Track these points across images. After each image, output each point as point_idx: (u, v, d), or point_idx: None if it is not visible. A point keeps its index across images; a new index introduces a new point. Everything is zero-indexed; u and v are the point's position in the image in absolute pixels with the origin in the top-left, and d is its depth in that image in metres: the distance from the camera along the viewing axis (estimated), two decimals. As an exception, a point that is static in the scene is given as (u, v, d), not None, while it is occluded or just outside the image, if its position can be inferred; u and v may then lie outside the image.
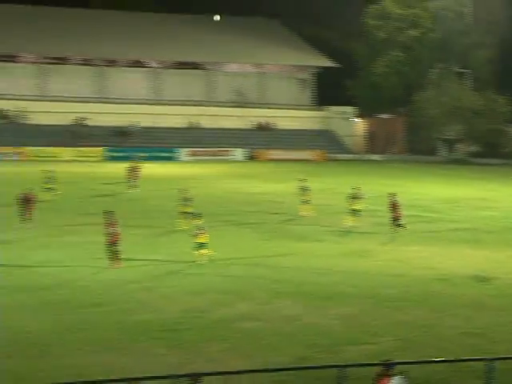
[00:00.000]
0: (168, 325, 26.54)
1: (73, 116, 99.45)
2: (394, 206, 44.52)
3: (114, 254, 33.67)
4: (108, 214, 35.11)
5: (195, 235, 35.84)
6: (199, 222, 36.87)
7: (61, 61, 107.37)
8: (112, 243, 33.79)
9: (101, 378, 18.22)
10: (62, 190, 59.71)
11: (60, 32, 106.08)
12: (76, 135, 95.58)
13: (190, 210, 43.69)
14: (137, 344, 24.47)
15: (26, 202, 43.16)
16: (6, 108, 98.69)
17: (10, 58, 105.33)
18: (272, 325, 26.96)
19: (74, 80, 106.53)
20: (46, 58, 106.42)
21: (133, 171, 61.27)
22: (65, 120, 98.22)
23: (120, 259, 33.74)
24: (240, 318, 27.63)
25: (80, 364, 22.36)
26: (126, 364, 22.37)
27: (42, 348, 23.91)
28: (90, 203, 53.98)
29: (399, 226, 44.19)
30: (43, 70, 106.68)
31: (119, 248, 33.80)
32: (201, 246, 35.60)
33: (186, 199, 45.25)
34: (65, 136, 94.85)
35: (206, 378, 15.67)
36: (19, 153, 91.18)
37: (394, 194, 45.30)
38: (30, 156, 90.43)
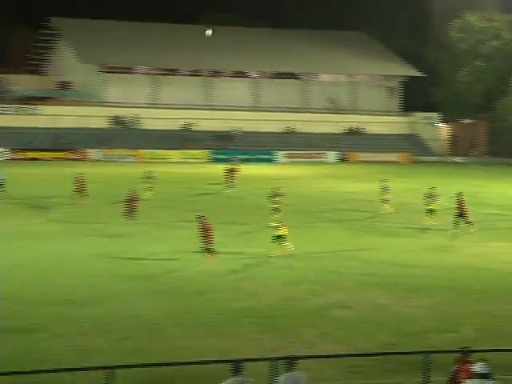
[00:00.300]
0: (266, 312, 26.76)
1: (181, 122, 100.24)
2: (460, 204, 44.08)
3: (208, 249, 33.98)
4: (199, 215, 35.28)
5: (275, 228, 35.98)
6: (278, 216, 36.80)
7: (171, 72, 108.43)
8: (206, 240, 34.15)
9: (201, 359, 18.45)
10: (170, 188, 60.61)
11: (171, 46, 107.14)
12: (184, 139, 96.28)
13: (278, 206, 43.82)
14: (237, 329, 24.74)
15: (131, 200, 43.61)
16: (122, 115, 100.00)
17: (127, 70, 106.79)
18: (361, 313, 27.02)
19: (182, 89, 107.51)
20: (158, 69, 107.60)
21: (230, 172, 61.53)
22: (174, 125, 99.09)
23: (216, 253, 33.95)
24: (332, 306, 27.74)
25: (189, 346, 22.77)
26: (229, 347, 22.65)
27: (156, 331, 24.37)
28: (193, 201, 54.47)
29: (468, 222, 43.70)
30: (156, 80, 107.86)
31: (213, 243, 34.03)
32: (279, 238, 35.72)
33: (276, 196, 45.49)
34: (174, 140, 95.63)
35: (301, 361, 15.77)
36: (134, 155, 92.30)
37: (460, 193, 44.84)
38: (143, 158, 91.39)
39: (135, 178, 55.90)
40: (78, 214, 46.54)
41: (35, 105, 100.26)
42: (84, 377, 18.63)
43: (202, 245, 34.09)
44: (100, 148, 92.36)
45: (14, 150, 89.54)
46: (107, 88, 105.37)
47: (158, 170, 62.69)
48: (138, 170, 57.93)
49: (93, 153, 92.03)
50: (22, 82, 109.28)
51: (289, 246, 35.69)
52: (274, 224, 36.14)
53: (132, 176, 56.33)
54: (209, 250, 33.88)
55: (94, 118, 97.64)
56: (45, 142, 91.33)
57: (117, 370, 14.99)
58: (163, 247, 36.89)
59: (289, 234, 35.76)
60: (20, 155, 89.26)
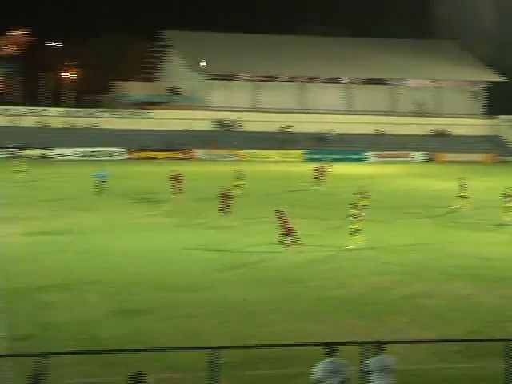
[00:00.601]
0: (356, 299, 26.62)
1: (279, 124, 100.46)
2: None
3: (288, 241, 33.85)
4: (278, 210, 35.22)
5: (352, 222, 35.72)
6: (355, 211, 36.44)
7: (270, 78, 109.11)
8: (287, 233, 33.95)
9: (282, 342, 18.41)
10: (267, 185, 60.86)
11: (270, 55, 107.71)
12: (281, 140, 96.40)
13: (364, 202, 43.40)
14: (330, 315, 24.67)
15: (225, 197, 43.68)
16: (225, 118, 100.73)
17: (231, 77, 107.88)
18: (446, 302, 26.66)
19: (280, 94, 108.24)
20: (258, 76, 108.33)
21: (320, 171, 61.28)
22: (272, 128, 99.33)
23: (301, 244, 33.81)
24: (418, 295, 27.45)
25: (285, 329, 22.78)
26: (322, 331, 22.60)
27: (256, 315, 24.45)
28: (287, 197, 54.42)
29: None
30: (256, 86, 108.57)
31: (295, 235, 33.91)
32: (355, 231, 35.42)
33: (362, 193, 45.15)
34: (272, 141, 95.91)
35: (389, 346, 15.64)
36: (235, 155, 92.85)
37: None
38: (244, 157, 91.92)
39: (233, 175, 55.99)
40: (182, 208, 46.95)
41: (148, 109, 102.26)
42: (188, 356, 18.82)
43: (280, 237, 34.00)
44: (205, 148, 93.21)
45: (129, 150, 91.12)
46: (212, 93, 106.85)
47: (257, 168, 63.00)
48: (238, 168, 58.04)
49: (199, 153, 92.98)
50: (136, 89, 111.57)
51: (362, 239, 35.38)
52: (352, 218, 35.81)
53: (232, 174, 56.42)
54: (288, 242, 33.78)
55: (200, 121, 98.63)
56: (157, 143, 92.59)
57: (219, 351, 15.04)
58: (259, 239, 36.97)
59: (364, 228, 35.52)
60: (135, 155, 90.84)
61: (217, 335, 21.84)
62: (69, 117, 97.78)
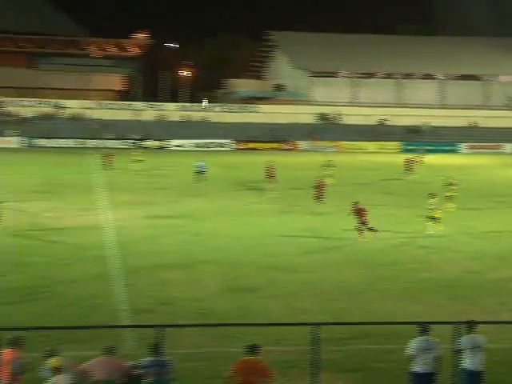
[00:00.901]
0: (449, 281, 26.27)
1: (376, 118, 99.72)
2: None
3: (363, 229, 33.28)
4: (355, 202, 34.73)
5: (431, 211, 35.05)
6: (433, 200, 35.73)
7: (369, 75, 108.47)
8: (361, 220, 33.42)
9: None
10: (364, 174, 60.42)
11: (369, 53, 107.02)
12: (378, 132, 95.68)
13: (451, 192, 42.58)
14: (424, 295, 24.41)
15: (319, 186, 43.30)
16: (326, 112, 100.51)
17: (331, 74, 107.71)
18: (539, 286, 26.09)
19: (378, 90, 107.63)
20: (357, 73, 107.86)
21: (410, 161, 60.42)
22: (370, 121, 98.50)
23: (376, 231, 33.07)
24: (508, 279, 26.87)
25: (384, 308, 22.73)
26: (418, 310, 22.41)
27: (356, 295, 24.37)
28: (381, 185, 54.07)
29: None
30: (355, 82, 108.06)
31: (367, 223, 33.28)
32: (434, 219, 34.70)
33: (450, 185, 44.28)
34: (370, 133, 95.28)
35: (480, 326, 15.41)
36: (336, 146, 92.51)
37: None
38: (343, 148, 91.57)
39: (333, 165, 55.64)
40: (284, 195, 46.90)
41: (256, 104, 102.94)
42: (292, 331, 18.93)
43: (357, 225, 33.43)
44: (308, 140, 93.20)
45: (238, 141, 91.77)
46: (314, 89, 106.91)
47: (355, 158, 62.51)
48: (337, 158, 57.73)
49: (302, 144, 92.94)
50: (245, 85, 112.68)
51: (439, 228, 34.64)
52: (431, 207, 35.21)
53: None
54: (363, 229, 33.15)
55: (303, 114, 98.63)
56: (263, 135, 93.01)
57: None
58: (353, 225, 36.68)
59: (455, 215, 34.86)
60: (243, 146, 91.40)
61: (318, 312, 21.86)
62: (184, 111, 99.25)
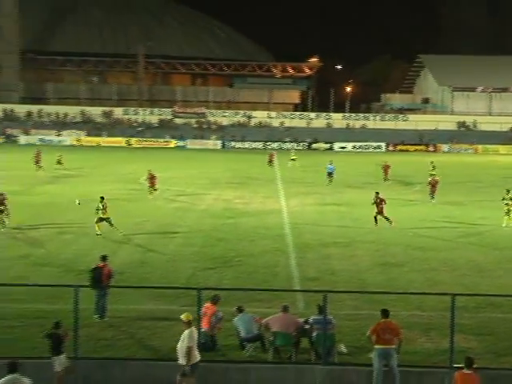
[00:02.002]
0: None
1: (509, 125, 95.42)
2: None
3: (384, 218, 31.01)
4: (376, 192, 32.34)
5: (506, 204, 32.34)
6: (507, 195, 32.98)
7: (502, 90, 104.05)
8: (379, 210, 31.34)
9: None
10: (494, 172, 57.66)
11: (502, 72, 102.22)
12: (510, 138, 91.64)
13: None
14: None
15: (433, 184, 40.57)
16: (465, 120, 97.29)
17: (470, 89, 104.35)
18: None
19: (510, 102, 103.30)
20: (493, 88, 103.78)
21: None
22: (503, 128, 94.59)
23: (391, 222, 31.38)
24: None
25: (510, 283, 21.85)
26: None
27: (486, 271, 23.50)
28: (504, 182, 51.11)
29: None
30: (490, 96, 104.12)
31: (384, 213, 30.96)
32: (509, 213, 32.03)
33: None
34: (502, 138, 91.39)
35: None
36: (472, 148, 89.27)
37: None
38: (479, 151, 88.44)
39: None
40: (426, 189, 45.51)
41: (405, 114, 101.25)
42: (431, 300, 18.58)
43: (375, 213, 31.41)
44: (448, 143, 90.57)
45: (389, 144, 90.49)
46: (455, 102, 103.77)
47: (489, 159, 59.98)
48: (473, 159, 55.34)
49: (443, 146, 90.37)
50: (397, 99, 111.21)
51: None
52: (508, 202, 32.49)
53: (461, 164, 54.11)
54: (378, 218, 31.17)
55: (445, 122, 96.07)
56: (411, 139, 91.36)
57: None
58: (484, 214, 35.17)
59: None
60: (393, 148, 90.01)
61: (454, 285, 21.27)
62: (347, 120, 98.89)
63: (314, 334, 14.88)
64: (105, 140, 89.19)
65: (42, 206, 35.56)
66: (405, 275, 22.79)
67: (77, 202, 33.11)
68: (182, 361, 12.99)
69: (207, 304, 15.49)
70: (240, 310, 15.67)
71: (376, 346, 13.78)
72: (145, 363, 14.05)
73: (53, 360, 13.46)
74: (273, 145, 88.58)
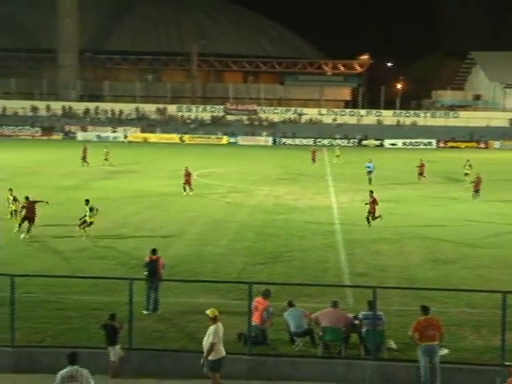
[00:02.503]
0: None
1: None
2: None
3: (373, 217, 29.73)
4: (371, 191, 31.04)
5: None
6: None
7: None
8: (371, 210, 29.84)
9: None
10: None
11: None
12: None
13: None
14: None
15: (477, 182, 39.43)
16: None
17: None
18: None
19: None
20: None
21: None
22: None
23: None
24: None
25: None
26: None
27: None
28: None
29: None
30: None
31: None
32: None
33: None
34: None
35: None
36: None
37: None
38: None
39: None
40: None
41: (456, 111, 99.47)
42: (481, 297, 18.19)
43: (367, 214, 30.02)
44: (500, 140, 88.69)
45: (439, 141, 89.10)
46: (507, 98, 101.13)
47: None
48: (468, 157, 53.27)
49: (495, 143, 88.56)
50: (448, 96, 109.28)
51: None
52: None
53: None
54: (369, 219, 29.85)
55: (496, 119, 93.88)
56: (461, 136, 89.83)
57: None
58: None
59: None
60: (444, 145, 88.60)
61: (506, 282, 20.80)
62: (397, 117, 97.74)
63: (364, 330, 14.74)
64: (158, 136, 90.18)
65: (98, 200, 36.09)
66: (456, 272, 22.38)
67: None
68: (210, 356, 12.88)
69: (258, 298, 15.48)
70: (290, 304, 15.62)
71: (420, 344, 13.57)
72: (195, 355, 14.12)
73: (108, 350, 13.67)
74: (323, 141, 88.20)
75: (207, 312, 13.05)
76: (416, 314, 16.30)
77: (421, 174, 47.80)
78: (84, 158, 53.74)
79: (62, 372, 10.86)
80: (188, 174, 39.53)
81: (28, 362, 12.41)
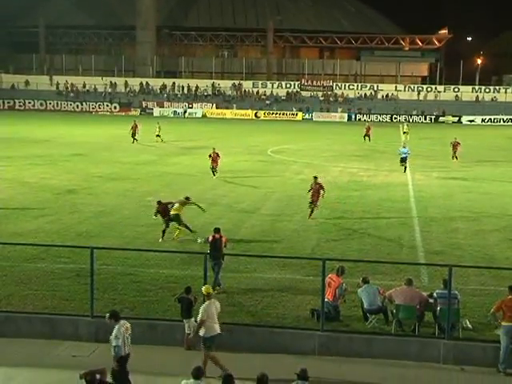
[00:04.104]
0: None
1: None
2: None
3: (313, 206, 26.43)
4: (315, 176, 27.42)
5: None
6: None
7: None
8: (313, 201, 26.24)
9: None
10: None
11: None
12: None
13: None
14: None
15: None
16: None
17: None
18: None
19: None
20: None
21: None
22: None
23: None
24: None
25: None
26: None
27: None
28: None
29: None
30: None
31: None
32: None
33: None
34: None
35: None
36: None
37: None
38: None
39: None
40: None
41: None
42: None
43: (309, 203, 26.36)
44: None
45: None
46: None
47: None
48: None
49: None
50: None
51: None
52: None
53: None
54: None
55: None
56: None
57: None
58: None
59: None
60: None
61: None
62: (476, 93, 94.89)
63: (438, 309, 14.47)
64: (233, 112, 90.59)
65: (175, 175, 36.68)
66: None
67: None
68: (201, 332, 12.77)
69: (332, 275, 15.41)
70: (365, 281, 15.46)
71: (503, 323, 13.21)
72: (269, 330, 14.20)
73: (184, 323, 13.91)
74: (399, 118, 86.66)
75: (202, 289, 13.15)
76: (493, 294, 15.95)
77: (454, 153, 44.59)
78: (133, 135, 52.09)
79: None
80: (216, 156, 35.95)
81: (106, 332, 12.75)
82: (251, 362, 13.23)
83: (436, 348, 13.72)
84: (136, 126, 52.96)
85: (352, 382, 12.89)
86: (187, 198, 23.38)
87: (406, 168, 39.28)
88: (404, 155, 39.58)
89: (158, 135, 53.77)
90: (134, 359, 11.72)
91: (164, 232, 22.13)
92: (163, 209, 22.58)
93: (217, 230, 17.80)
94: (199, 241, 20.50)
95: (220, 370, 12.30)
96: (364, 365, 13.51)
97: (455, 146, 44.89)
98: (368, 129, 57.55)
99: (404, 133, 59.87)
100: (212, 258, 16.91)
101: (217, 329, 12.85)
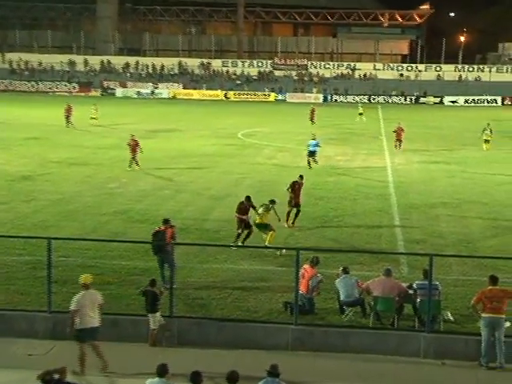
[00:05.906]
0: None
1: None
2: None
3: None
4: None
5: None
6: None
7: None
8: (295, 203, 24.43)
9: None
10: None
11: None
12: None
13: None
14: None
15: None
16: None
17: None
18: None
19: None
20: None
21: None
22: None
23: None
24: None
25: None
26: None
27: None
28: None
29: None
30: None
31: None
32: None
33: None
34: None
35: None
36: None
37: None
38: None
39: None
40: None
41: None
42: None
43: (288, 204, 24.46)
44: None
45: (505, 98, 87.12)
46: None
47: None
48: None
49: None
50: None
51: None
52: None
53: None
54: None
55: None
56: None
57: None
58: None
59: None
60: (510, 102, 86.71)
61: None
62: (459, 72, 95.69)
63: (418, 300, 14.61)
64: (202, 93, 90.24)
65: (140, 160, 36.46)
66: (519, 240, 21.97)
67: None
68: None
69: (306, 266, 15.46)
70: (345, 271, 15.50)
71: (483, 315, 13.38)
72: (240, 325, 14.22)
73: (148, 317, 13.87)
74: (378, 98, 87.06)
75: (81, 279, 13.00)
76: (475, 284, 16.14)
77: (398, 140, 42.64)
78: (67, 118, 50.70)
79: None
80: (135, 144, 33.92)
81: (64, 329, 12.67)
82: (221, 358, 13.22)
83: (416, 342, 13.86)
84: (70, 108, 51.48)
85: (327, 378, 12.97)
86: (272, 202, 21.11)
87: (310, 163, 35.02)
88: (312, 148, 35.43)
89: (92, 117, 53.06)
90: (95, 358, 11.60)
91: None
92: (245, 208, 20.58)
93: (164, 221, 17.43)
94: (278, 253, 19.21)
95: (80, 368, 12.39)
96: (340, 360, 13.59)
97: (399, 132, 42.81)
98: (312, 111, 56.57)
99: (360, 114, 60.04)
100: (153, 252, 16.77)
101: (91, 322, 12.68)
